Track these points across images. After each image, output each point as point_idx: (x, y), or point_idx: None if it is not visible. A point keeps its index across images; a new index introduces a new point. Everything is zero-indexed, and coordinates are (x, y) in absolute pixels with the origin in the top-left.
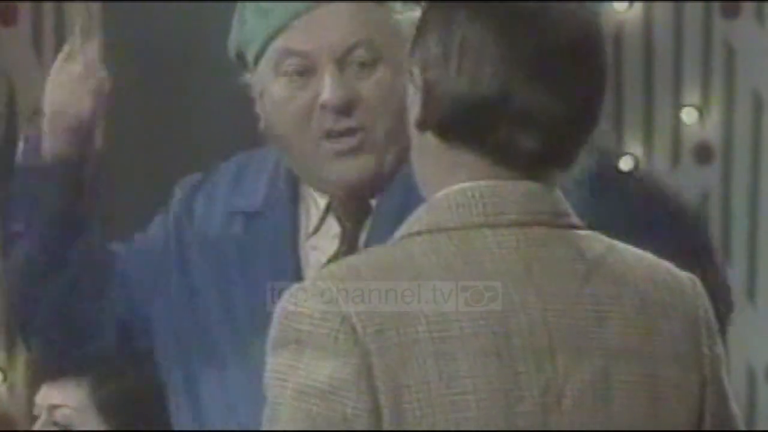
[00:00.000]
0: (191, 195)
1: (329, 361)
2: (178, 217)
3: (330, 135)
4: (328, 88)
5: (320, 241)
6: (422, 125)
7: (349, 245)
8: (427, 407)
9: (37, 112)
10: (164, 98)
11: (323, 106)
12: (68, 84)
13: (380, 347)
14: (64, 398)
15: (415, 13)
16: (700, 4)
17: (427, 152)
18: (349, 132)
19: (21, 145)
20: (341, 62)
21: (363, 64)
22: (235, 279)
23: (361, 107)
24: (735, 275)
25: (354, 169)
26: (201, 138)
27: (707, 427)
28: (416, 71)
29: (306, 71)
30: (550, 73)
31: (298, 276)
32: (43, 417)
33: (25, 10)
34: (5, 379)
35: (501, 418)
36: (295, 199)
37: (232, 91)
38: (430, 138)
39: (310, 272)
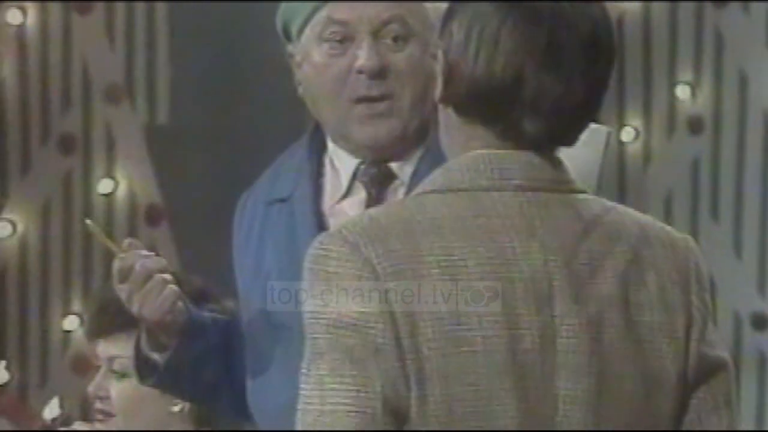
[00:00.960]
0: (242, 205)
1: (355, 297)
2: (235, 227)
3: (362, 99)
4: (364, 54)
5: (348, 208)
6: (443, 101)
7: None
8: (439, 340)
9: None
10: (228, 93)
11: (359, 72)
12: (151, 300)
13: (398, 286)
14: (119, 350)
15: (441, 4)
16: None
17: (448, 124)
18: (380, 98)
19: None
20: (376, 34)
21: (396, 38)
22: (271, 260)
23: (392, 76)
24: (723, 232)
25: (382, 131)
26: (263, 129)
27: (693, 370)
28: (440, 54)
29: (345, 39)
30: (559, 66)
31: None
32: (104, 367)
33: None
34: (82, 323)
35: (504, 352)
36: (316, 175)
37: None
38: (450, 112)
39: None
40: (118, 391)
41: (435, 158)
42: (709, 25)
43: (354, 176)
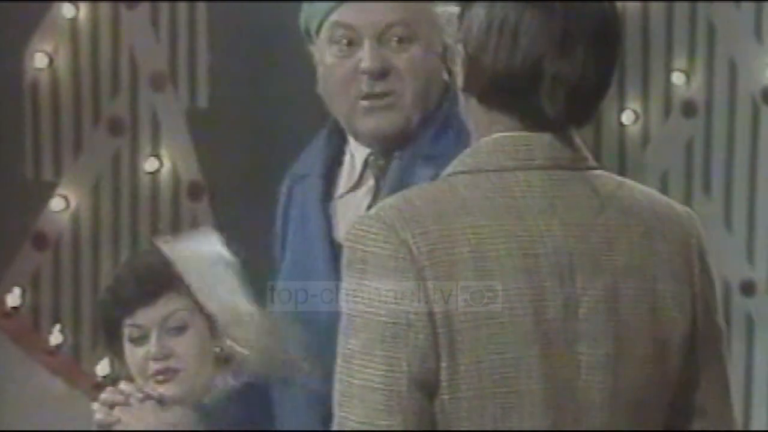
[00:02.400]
0: (283, 181)
1: (391, 276)
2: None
3: (366, 96)
4: (367, 57)
5: (361, 195)
6: (466, 91)
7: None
8: (470, 312)
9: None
10: (262, 78)
11: (363, 72)
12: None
13: (432, 264)
14: (172, 307)
15: (448, 7)
16: None
17: (471, 111)
18: (382, 94)
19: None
20: (380, 37)
21: (400, 40)
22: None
23: (393, 75)
24: (715, 207)
25: (384, 123)
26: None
27: (698, 335)
28: (460, 47)
29: (352, 42)
30: (573, 54)
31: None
32: (155, 331)
33: None
34: None
35: (530, 323)
36: (332, 161)
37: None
38: (473, 101)
39: (350, 215)
40: (184, 343)
41: (420, 150)
42: (702, 18)
43: (365, 166)
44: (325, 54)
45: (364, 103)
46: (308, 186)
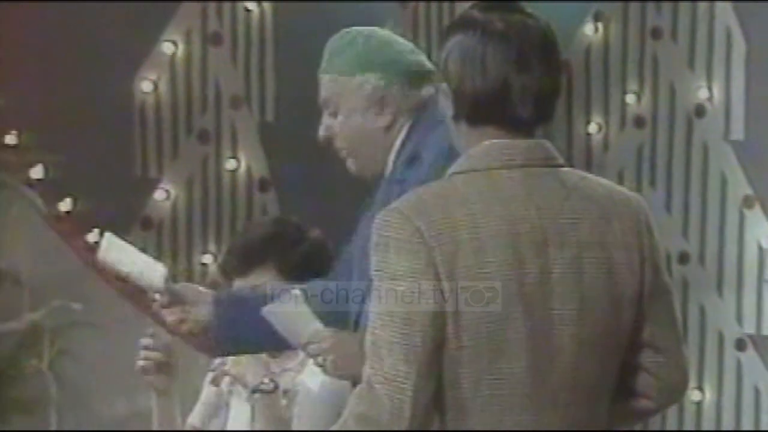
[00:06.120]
0: None
1: (407, 256)
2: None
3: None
4: (320, 127)
5: (373, 208)
6: (456, 117)
7: None
8: (471, 280)
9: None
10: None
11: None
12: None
13: (439, 245)
14: (262, 280)
15: (357, 78)
16: (637, 31)
17: (462, 132)
18: (341, 149)
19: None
20: (325, 108)
21: (332, 113)
22: None
23: (336, 137)
24: (658, 197)
25: (350, 167)
26: None
27: (646, 291)
28: (445, 85)
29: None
30: (530, 68)
31: None
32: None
33: (226, 34)
34: (215, 259)
35: (514, 285)
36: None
37: None
38: (462, 123)
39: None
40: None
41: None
42: (649, 52)
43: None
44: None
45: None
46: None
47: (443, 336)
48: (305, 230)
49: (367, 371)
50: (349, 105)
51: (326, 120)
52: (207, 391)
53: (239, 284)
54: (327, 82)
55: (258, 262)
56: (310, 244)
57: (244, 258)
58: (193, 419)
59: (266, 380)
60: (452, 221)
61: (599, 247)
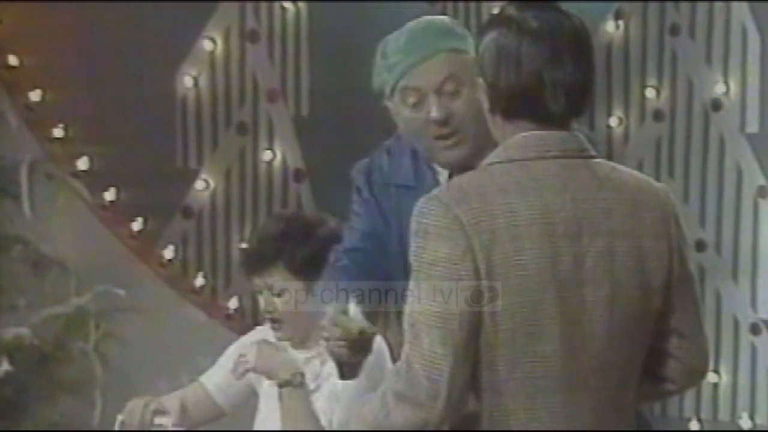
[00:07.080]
0: (367, 172)
1: (446, 242)
2: (366, 187)
3: (437, 138)
4: (434, 109)
5: None
6: (492, 112)
7: None
8: (507, 267)
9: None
10: (350, 94)
11: (433, 121)
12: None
13: (477, 233)
14: (273, 279)
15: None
16: (656, 28)
17: (497, 125)
18: (449, 135)
19: None
20: (439, 92)
21: (453, 92)
22: (391, 235)
23: (455, 119)
24: (677, 186)
25: (454, 156)
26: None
27: (674, 279)
28: (481, 80)
29: (419, 99)
30: (562, 64)
31: None
32: (266, 291)
33: (263, 32)
34: None
35: (549, 272)
36: (435, 178)
37: None
38: (498, 117)
39: None
40: (281, 304)
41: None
42: (668, 48)
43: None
44: (400, 110)
45: (438, 143)
46: (418, 194)
47: (479, 320)
48: (316, 226)
49: (406, 350)
50: (474, 82)
51: (443, 101)
52: (224, 369)
53: (257, 282)
54: (444, 61)
55: (270, 261)
56: (318, 242)
57: (255, 258)
58: (207, 380)
59: (294, 375)
60: (490, 210)
61: (630, 236)
